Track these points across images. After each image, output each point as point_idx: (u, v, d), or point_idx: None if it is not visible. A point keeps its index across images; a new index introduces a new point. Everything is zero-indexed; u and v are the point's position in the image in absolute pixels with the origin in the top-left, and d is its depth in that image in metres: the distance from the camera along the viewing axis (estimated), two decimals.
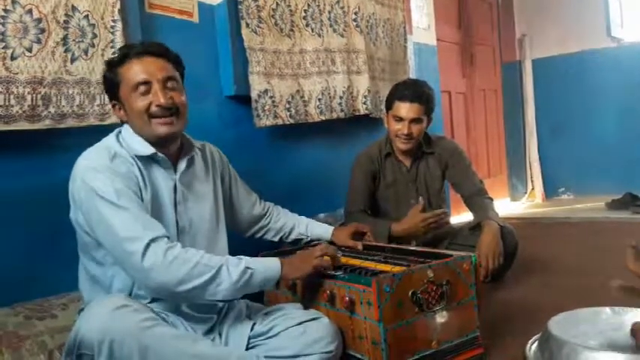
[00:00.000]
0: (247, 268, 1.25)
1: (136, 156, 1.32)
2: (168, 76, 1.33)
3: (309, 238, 1.78)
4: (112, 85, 1.35)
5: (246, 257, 1.30)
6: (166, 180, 1.36)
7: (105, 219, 1.20)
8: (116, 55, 1.39)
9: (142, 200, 1.28)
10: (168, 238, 1.22)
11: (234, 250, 1.52)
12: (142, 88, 1.30)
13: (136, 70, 1.31)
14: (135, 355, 1.10)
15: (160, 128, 1.31)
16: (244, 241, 1.74)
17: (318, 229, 1.79)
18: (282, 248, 1.83)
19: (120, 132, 1.37)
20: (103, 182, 1.22)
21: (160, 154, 1.34)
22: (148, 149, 1.33)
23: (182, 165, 1.40)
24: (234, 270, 1.23)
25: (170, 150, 1.38)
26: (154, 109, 1.30)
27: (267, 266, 1.31)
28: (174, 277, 1.17)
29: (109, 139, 1.35)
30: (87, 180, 1.23)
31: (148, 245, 1.17)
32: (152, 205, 1.30)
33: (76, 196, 1.26)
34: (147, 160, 1.34)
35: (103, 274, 1.30)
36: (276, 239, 1.77)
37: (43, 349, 1.37)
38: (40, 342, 1.38)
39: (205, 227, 1.43)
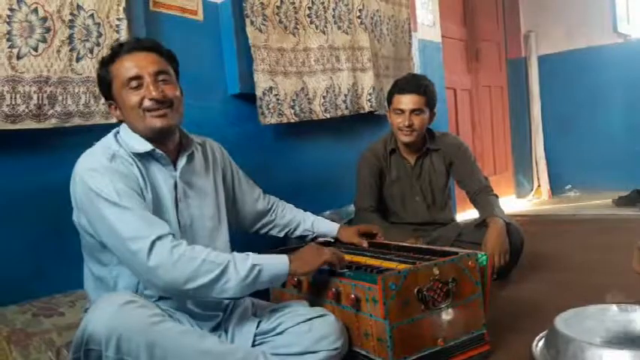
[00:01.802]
0: (255, 265, 1.24)
1: (135, 154, 1.31)
2: (159, 69, 1.32)
3: (314, 234, 1.77)
4: (105, 83, 1.34)
5: (254, 254, 1.29)
6: (166, 177, 1.36)
7: (107, 220, 1.20)
8: (107, 53, 1.37)
9: (144, 199, 1.27)
10: (173, 235, 1.21)
11: (238, 247, 1.52)
12: (134, 83, 1.29)
13: (127, 66, 1.30)
14: (142, 351, 1.10)
15: (155, 121, 1.30)
16: (248, 238, 1.74)
17: (324, 226, 1.78)
18: (287, 246, 1.83)
19: (118, 132, 1.36)
20: (104, 183, 1.21)
21: (158, 151, 1.33)
22: (146, 146, 1.32)
23: (182, 162, 1.38)
24: (242, 267, 1.23)
25: (168, 147, 1.37)
26: (146, 103, 1.29)
27: (275, 262, 1.30)
28: (181, 274, 1.17)
29: (108, 139, 1.34)
30: (87, 181, 1.22)
31: (153, 243, 1.17)
32: (153, 204, 1.30)
33: (78, 198, 1.26)
34: (146, 158, 1.33)
35: (108, 274, 1.30)
36: (281, 235, 1.76)
37: (50, 346, 1.38)
38: (48, 339, 1.39)
39: (206, 224, 1.42)
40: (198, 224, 1.40)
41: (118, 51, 1.33)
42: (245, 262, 1.24)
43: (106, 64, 1.34)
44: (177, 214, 1.35)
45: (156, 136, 1.33)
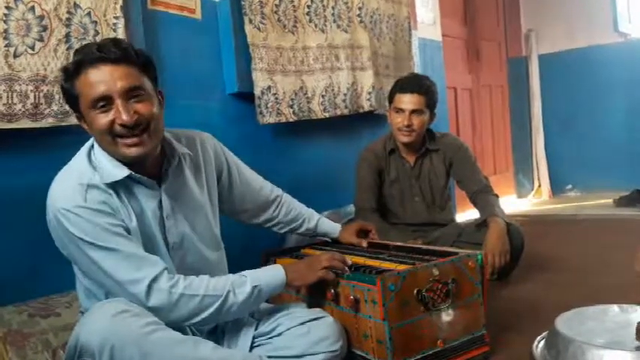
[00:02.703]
0: (255, 286, 1.24)
1: (112, 182, 1.18)
2: (130, 86, 1.15)
3: (315, 233, 1.74)
4: (70, 97, 1.19)
5: (249, 272, 1.28)
6: (149, 198, 1.24)
7: (96, 263, 1.15)
8: (70, 63, 1.19)
9: (129, 230, 1.19)
10: (167, 270, 1.17)
11: (237, 250, 1.51)
12: (101, 104, 1.14)
13: (92, 83, 1.13)
14: None
15: (128, 150, 1.16)
16: (247, 239, 1.73)
17: (327, 226, 1.74)
18: (284, 247, 1.81)
19: (92, 147, 1.23)
20: (83, 225, 1.13)
21: (136, 175, 1.20)
22: (122, 171, 1.18)
23: (166, 179, 1.27)
24: (241, 292, 1.23)
25: (147, 164, 1.24)
26: (117, 128, 1.14)
27: (272, 278, 1.30)
28: (183, 313, 1.17)
29: (80, 162, 1.20)
30: (64, 224, 1.14)
31: (149, 287, 1.13)
32: (140, 230, 1.21)
33: (57, 237, 1.19)
34: (125, 182, 1.20)
35: (98, 289, 1.25)
36: (283, 231, 1.72)
37: (47, 347, 1.37)
38: (44, 340, 1.38)
39: (199, 237, 1.34)
40: (190, 239, 1.32)
41: (81, 61, 1.15)
42: (244, 286, 1.24)
43: (70, 76, 1.16)
44: (164, 235, 1.27)
45: (131, 162, 1.20)
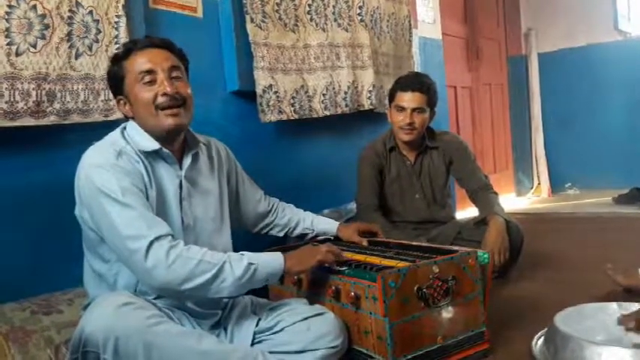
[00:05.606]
0: (250, 263, 1.25)
1: (142, 152, 1.31)
2: (173, 65, 1.33)
3: (314, 233, 1.77)
4: (116, 79, 1.34)
5: (249, 253, 1.30)
6: (172, 176, 1.36)
7: (109, 217, 1.20)
8: (120, 50, 1.38)
9: (148, 197, 1.27)
10: (172, 236, 1.21)
11: (240, 247, 1.52)
12: (147, 78, 1.29)
13: (141, 61, 1.30)
14: (140, 353, 1.10)
15: (167, 120, 1.30)
16: (249, 237, 1.74)
17: (324, 223, 1.78)
18: (288, 244, 1.82)
19: (125, 128, 1.36)
20: (109, 180, 1.22)
21: (165, 150, 1.33)
22: (154, 144, 1.32)
23: (187, 161, 1.39)
24: (237, 266, 1.23)
25: (175, 145, 1.37)
26: (160, 99, 1.29)
27: (270, 260, 1.31)
28: (177, 275, 1.17)
29: (114, 135, 1.34)
30: (92, 177, 1.23)
31: (151, 244, 1.17)
32: (157, 202, 1.30)
33: (82, 193, 1.26)
34: (152, 156, 1.33)
35: (108, 270, 1.30)
36: (281, 234, 1.77)
37: (49, 343, 1.38)
38: (47, 337, 1.39)
39: (209, 224, 1.42)
40: (202, 224, 1.40)
41: (131, 47, 1.33)
42: (240, 261, 1.25)
43: (119, 60, 1.34)
44: (180, 214, 1.35)
45: (165, 135, 1.33)
